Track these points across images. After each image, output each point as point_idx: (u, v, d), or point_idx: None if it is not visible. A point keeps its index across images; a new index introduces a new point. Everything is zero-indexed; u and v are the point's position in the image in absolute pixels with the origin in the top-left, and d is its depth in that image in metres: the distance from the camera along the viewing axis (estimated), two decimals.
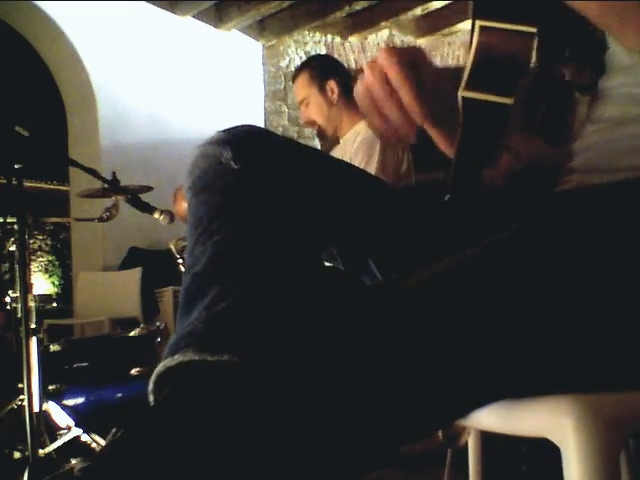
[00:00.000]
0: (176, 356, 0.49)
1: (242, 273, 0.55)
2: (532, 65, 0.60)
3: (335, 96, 2.30)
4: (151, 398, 0.51)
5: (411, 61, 0.66)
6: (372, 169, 2.07)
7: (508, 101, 0.58)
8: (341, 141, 2.33)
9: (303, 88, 2.31)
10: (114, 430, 1.82)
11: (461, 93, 0.60)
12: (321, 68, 2.39)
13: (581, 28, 0.64)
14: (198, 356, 0.47)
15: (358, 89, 0.68)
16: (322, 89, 2.29)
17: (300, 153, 0.71)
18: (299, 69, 2.42)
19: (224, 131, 0.67)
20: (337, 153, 2.32)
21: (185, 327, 0.52)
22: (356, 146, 2.16)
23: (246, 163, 0.63)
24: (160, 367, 0.50)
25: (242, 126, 0.69)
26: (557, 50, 0.65)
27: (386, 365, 0.48)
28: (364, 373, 0.48)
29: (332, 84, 2.31)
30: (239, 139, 0.66)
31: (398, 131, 0.66)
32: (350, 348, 0.48)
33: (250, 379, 0.46)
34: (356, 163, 2.12)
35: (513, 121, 0.59)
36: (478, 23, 0.60)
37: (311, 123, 2.33)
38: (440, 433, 1.48)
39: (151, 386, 0.51)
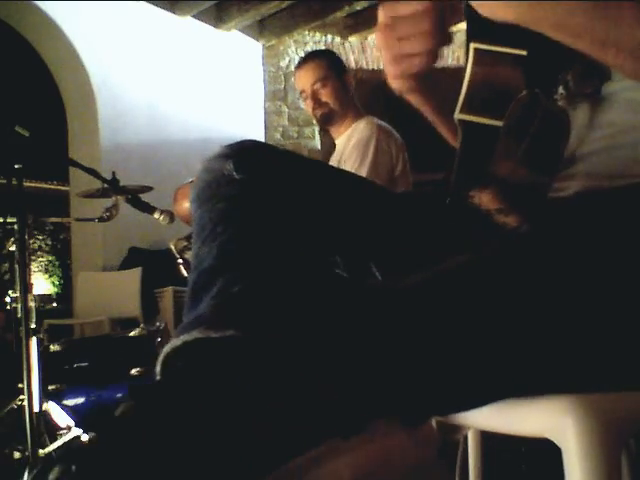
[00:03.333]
0: (182, 337, 0.51)
1: (247, 265, 0.58)
2: (524, 93, 0.61)
3: (351, 88, 2.28)
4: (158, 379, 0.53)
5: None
6: (365, 170, 2.07)
7: (499, 123, 0.60)
8: (337, 142, 2.32)
9: (321, 68, 2.23)
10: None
11: (457, 116, 0.63)
12: (339, 60, 2.39)
13: None
14: (203, 334, 0.49)
15: (380, 22, 0.68)
16: (340, 76, 2.26)
17: (300, 163, 0.74)
18: (317, 53, 2.39)
19: (226, 146, 0.71)
20: (335, 156, 2.31)
21: (191, 317, 0.55)
22: (350, 147, 2.16)
23: (248, 173, 0.66)
24: (167, 348, 0.52)
25: (243, 141, 0.72)
26: (551, 70, 0.66)
27: (383, 360, 0.48)
28: (361, 365, 0.48)
29: (350, 77, 2.31)
30: (240, 152, 0.69)
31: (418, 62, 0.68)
32: (347, 336, 0.49)
33: (251, 352, 0.48)
34: (350, 163, 2.12)
35: (503, 147, 0.60)
36: (472, 45, 0.61)
37: (323, 105, 2.22)
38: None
39: (159, 368, 0.53)
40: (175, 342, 0.51)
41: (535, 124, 0.59)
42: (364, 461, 0.42)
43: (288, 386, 0.47)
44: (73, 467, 0.44)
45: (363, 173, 2.06)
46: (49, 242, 11.67)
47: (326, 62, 2.27)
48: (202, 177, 0.69)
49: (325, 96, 2.22)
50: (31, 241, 2.09)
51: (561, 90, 0.68)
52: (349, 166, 2.11)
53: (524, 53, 0.60)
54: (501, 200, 0.61)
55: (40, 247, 11.48)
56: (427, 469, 0.44)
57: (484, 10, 0.57)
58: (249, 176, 0.66)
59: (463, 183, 0.63)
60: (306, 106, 2.31)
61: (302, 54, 5.40)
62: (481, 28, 0.61)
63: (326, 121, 2.26)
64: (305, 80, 2.25)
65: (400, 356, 0.49)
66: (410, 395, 0.50)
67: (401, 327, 0.49)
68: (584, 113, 0.68)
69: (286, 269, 0.60)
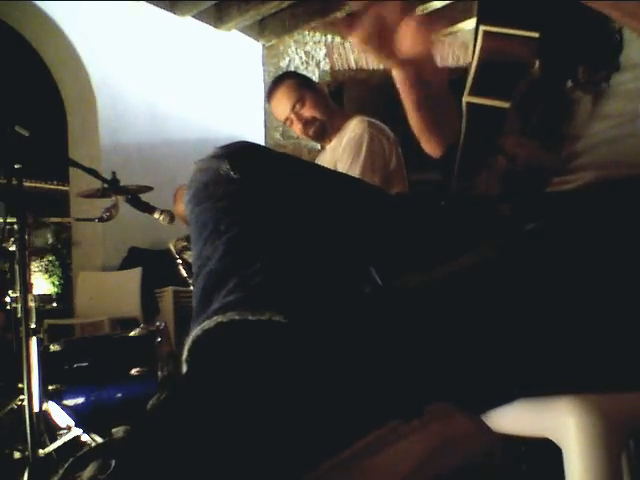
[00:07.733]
0: (215, 317, 0.49)
1: (264, 259, 0.57)
2: (532, 70, 0.60)
3: (327, 95, 2.29)
4: (185, 368, 0.52)
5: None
6: (358, 167, 2.07)
7: (506, 105, 0.59)
8: (327, 147, 2.32)
9: (293, 89, 2.23)
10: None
11: (465, 99, 0.62)
12: (303, 75, 2.42)
13: (599, 30, 0.65)
14: (239, 316, 0.49)
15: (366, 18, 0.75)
16: (313, 88, 2.27)
17: (293, 163, 0.73)
18: (280, 78, 2.35)
19: (220, 147, 0.70)
20: (326, 156, 2.31)
21: (208, 312, 0.53)
22: (343, 145, 2.16)
23: (244, 172, 0.66)
24: (197, 331, 0.51)
25: (236, 142, 0.72)
26: (564, 55, 0.66)
27: (385, 364, 0.48)
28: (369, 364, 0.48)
29: (321, 86, 2.34)
30: (235, 153, 0.69)
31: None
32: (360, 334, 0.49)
33: (297, 336, 0.47)
34: (342, 162, 2.12)
35: (510, 124, 0.60)
36: (482, 28, 0.61)
37: (311, 122, 2.22)
38: None
39: (186, 354, 0.52)
40: (207, 325, 0.50)
41: (544, 102, 0.59)
42: (427, 442, 0.41)
43: (340, 369, 0.46)
44: (112, 462, 0.43)
45: (356, 170, 2.06)
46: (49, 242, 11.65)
47: (294, 82, 2.27)
48: (197, 178, 0.68)
49: (308, 111, 2.23)
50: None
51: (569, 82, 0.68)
52: (342, 165, 2.11)
53: (536, 35, 0.59)
54: (504, 183, 0.60)
55: None
56: (493, 456, 0.43)
57: None
58: (246, 175, 0.65)
59: (467, 168, 0.63)
60: (296, 131, 2.30)
61: (302, 54, 5.40)
62: (492, 11, 0.61)
63: (321, 135, 2.27)
64: (283, 107, 2.25)
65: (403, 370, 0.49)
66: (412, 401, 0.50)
67: (404, 336, 0.49)
68: (591, 104, 0.68)
69: (302, 261, 0.59)
